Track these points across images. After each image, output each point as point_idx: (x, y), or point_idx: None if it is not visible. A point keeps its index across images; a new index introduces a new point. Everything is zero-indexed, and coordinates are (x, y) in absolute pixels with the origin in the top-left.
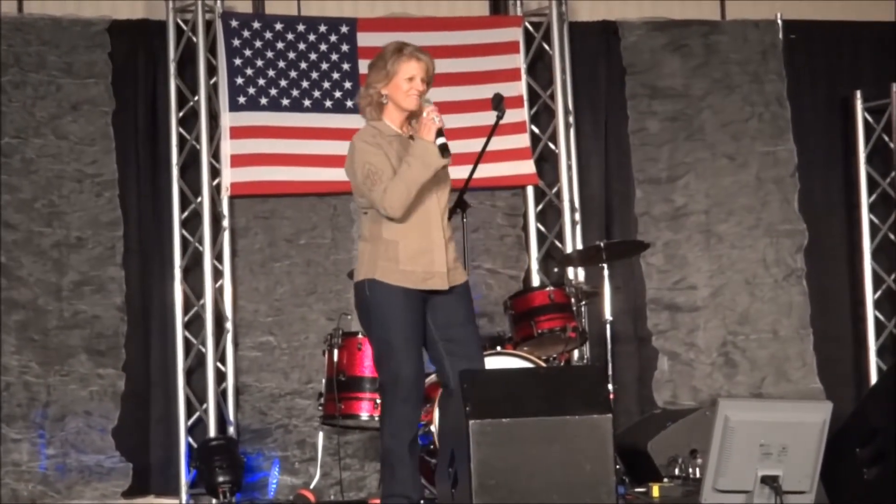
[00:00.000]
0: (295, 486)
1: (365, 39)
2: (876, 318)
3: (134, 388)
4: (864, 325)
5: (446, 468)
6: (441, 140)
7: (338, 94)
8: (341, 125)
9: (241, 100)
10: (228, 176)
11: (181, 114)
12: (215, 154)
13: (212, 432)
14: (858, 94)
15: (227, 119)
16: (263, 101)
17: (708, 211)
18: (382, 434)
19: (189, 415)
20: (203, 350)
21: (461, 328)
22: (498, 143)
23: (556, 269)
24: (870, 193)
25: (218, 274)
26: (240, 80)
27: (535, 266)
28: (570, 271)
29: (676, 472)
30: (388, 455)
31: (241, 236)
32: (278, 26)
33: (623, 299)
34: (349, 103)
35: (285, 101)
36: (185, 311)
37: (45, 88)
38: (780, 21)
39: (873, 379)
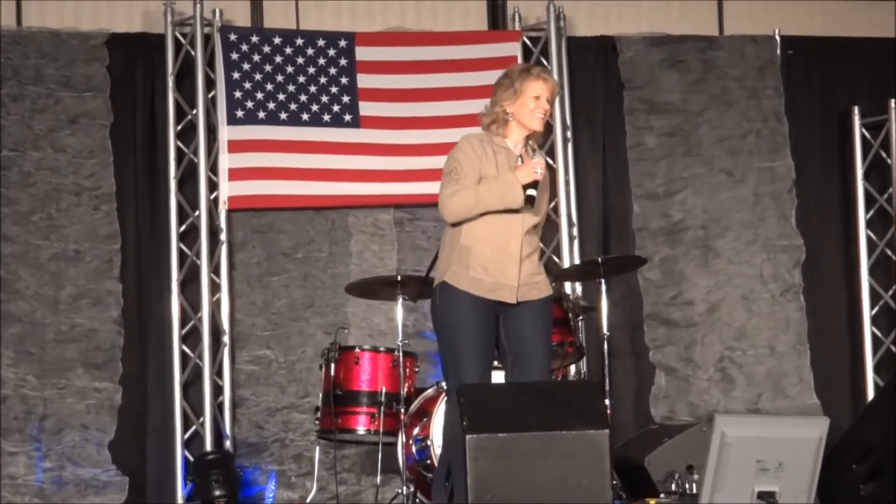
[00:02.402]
0: (291, 501)
1: (363, 54)
2: (873, 334)
3: (131, 401)
4: (861, 341)
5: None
6: (531, 192)
7: (336, 107)
8: (339, 139)
9: (240, 113)
10: (226, 189)
11: (179, 127)
12: (213, 167)
13: (208, 446)
14: (856, 109)
15: (225, 133)
16: (261, 114)
17: (705, 226)
18: (445, 435)
19: (186, 428)
20: (200, 363)
21: (528, 345)
22: None
23: (553, 284)
24: (867, 209)
25: (215, 287)
26: (238, 94)
27: None
28: (568, 286)
29: (673, 487)
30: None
31: (238, 250)
32: (277, 40)
33: (620, 314)
34: (347, 117)
35: (283, 115)
36: (183, 324)
37: (43, 101)
38: (777, 37)
39: (870, 395)
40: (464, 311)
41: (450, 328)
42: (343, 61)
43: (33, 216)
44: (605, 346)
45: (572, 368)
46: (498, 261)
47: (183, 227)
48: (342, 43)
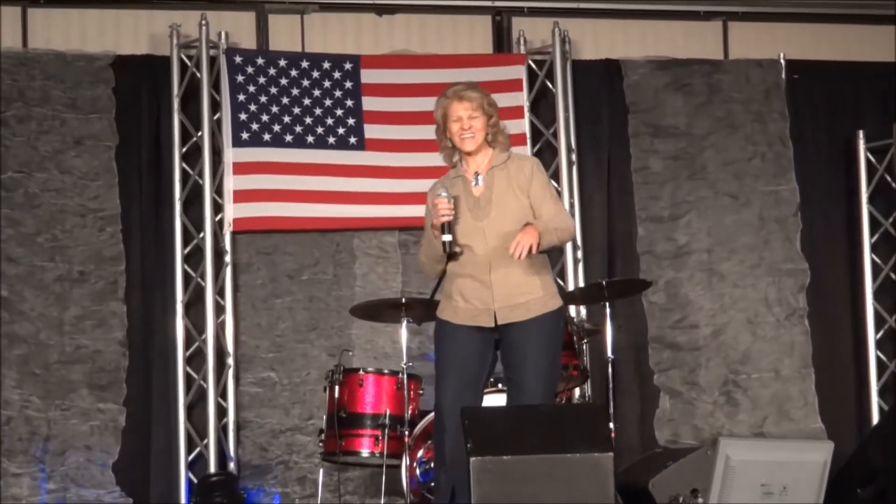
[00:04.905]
0: None
1: (369, 76)
2: (878, 358)
3: (135, 422)
4: (865, 365)
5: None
6: (446, 237)
7: (341, 130)
8: (344, 161)
9: (245, 135)
10: (231, 211)
11: (184, 149)
12: (218, 189)
13: (212, 468)
14: (861, 134)
15: (231, 155)
16: (266, 136)
17: (710, 250)
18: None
19: (190, 450)
20: (204, 385)
21: (517, 373)
22: None
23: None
24: (872, 233)
25: (220, 309)
26: (243, 116)
27: None
28: (572, 309)
29: None
30: (434, 481)
31: (243, 272)
32: (282, 62)
33: (625, 337)
34: (352, 140)
35: (288, 137)
36: (187, 346)
37: (48, 123)
38: (782, 61)
39: (875, 419)
40: (442, 340)
41: (436, 356)
42: (348, 84)
43: (38, 237)
44: (610, 370)
45: (577, 391)
46: (473, 287)
47: (188, 249)
48: (347, 65)
